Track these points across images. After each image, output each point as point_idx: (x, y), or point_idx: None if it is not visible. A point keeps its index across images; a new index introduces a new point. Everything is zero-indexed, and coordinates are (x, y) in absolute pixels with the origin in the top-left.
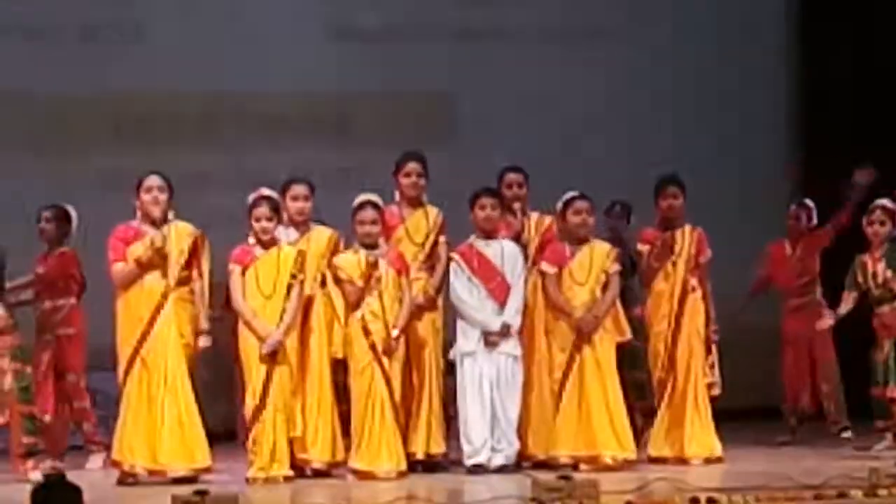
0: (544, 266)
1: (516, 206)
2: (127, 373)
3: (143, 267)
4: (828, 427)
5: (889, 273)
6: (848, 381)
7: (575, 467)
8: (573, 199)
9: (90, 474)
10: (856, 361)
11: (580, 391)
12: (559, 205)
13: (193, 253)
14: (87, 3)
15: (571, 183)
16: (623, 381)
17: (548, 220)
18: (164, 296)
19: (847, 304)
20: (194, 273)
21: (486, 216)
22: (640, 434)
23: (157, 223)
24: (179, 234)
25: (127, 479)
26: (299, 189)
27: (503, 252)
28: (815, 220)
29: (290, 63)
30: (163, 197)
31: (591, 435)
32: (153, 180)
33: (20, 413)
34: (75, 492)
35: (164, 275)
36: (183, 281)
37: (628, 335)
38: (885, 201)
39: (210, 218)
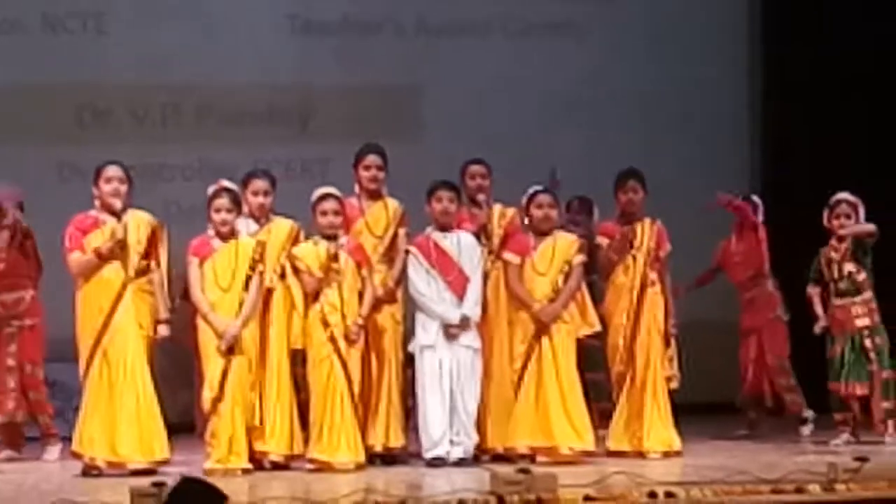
0: (508, 255)
1: (480, 197)
2: (88, 365)
3: (103, 258)
4: (785, 422)
5: (853, 266)
6: (807, 374)
7: (532, 458)
8: (536, 193)
9: (47, 466)
10: (814, 354)
11: (537, 382)
12: (524, 199)
13: (152, 242)
14: None
15: (535, 177)
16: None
17: (510, 211)
18: (124, 286)
19: (818, 301)
20: (153, 263)
21: (443, 209)
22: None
23: (117, 213)
24: (138, 224)
25: (91, 470)
26: (260, 184)
27: (460, 244)
28: (761, 216)
29: (252, 56)
30: (123, 188)
31: (548, 426)
32: (113, 171)
33: None
34: (218, 497)
35: (123, 265)
36: (142, 271)
37: (597, 326)
38: (846, 195)
39: (170, 210)
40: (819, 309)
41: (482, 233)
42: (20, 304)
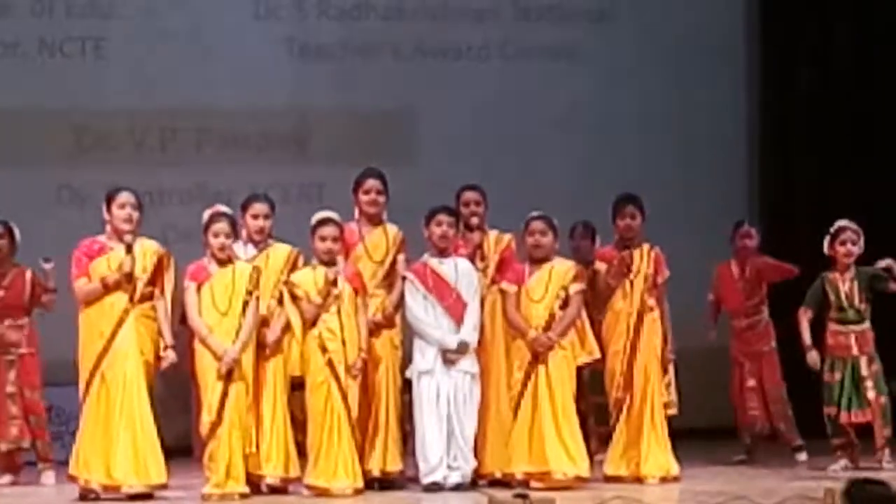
0: (504, 285)
1: (474, 221)
2: (87, 388)
3: (109, 288)
4: (782, 447)
5: (861, 296)
6: (802, 399)
7: (527, 484)
8: (530, 219)
9: (44, 490)
10: (808, 379)
11: (533, 408)
12: (522, 225)
13: (157, 270)
14: (48, 18)
15: (530, 201)
16: (587, 404)
17: (506, 237)
18: (126, 312)
19: (806, 326)
20: (156, 290)
21: (442, 233)
22: (590, 456)
23: (126, 240)
24: (144, 252)
25: (88, 494)
26: (260, 207)
27: (457, 269)
28: (758, 243)
29: (249, 80)
30: (136, 215)
31: (542, 451)
32: (127, 197)
33: None
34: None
35: (127, 291)
36: (145, 297)
37: (597, 354)
38: (848, 222)
39: (167, 233)
40: (807, 335)
41: (476, 255)
42: (22, 331)
